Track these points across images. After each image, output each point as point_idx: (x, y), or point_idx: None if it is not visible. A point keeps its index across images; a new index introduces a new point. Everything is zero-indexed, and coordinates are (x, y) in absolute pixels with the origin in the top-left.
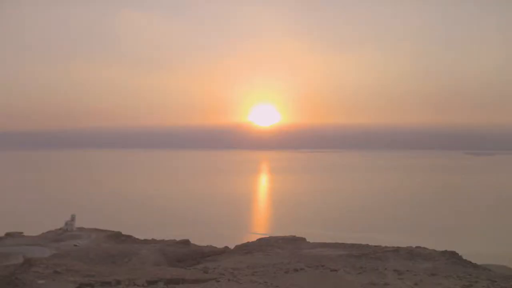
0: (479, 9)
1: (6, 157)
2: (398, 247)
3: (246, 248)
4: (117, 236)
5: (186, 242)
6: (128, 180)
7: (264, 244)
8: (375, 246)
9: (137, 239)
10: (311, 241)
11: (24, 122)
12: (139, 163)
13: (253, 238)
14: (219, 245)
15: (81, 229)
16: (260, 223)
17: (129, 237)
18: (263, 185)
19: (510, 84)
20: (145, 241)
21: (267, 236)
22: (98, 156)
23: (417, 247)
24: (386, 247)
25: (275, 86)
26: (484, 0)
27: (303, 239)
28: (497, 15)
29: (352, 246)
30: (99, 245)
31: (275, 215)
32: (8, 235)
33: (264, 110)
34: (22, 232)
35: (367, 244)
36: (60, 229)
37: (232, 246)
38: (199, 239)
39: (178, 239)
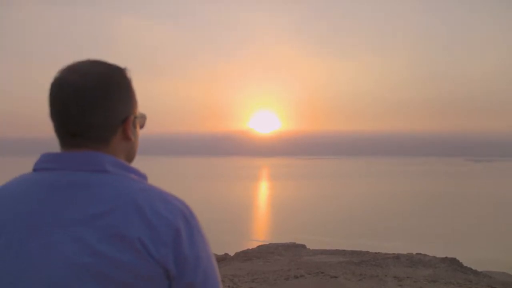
0: (479, 15)
1: (6, 164)
2: (398, 254)
3: (246, 255)
4: None
5: None
6: None
7: (264, 251)
8: (375, 253)
9: None
10: (311, 248)
11: (24, 129)
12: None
13: (253, 245)
14: (219, 252)
15: None
16: (260, 230)
17: None
18: (263, 191)
19: (510, 90)
20: None
21: (267, 243)
22: None
23: (417, 253)
24: (386, 253)
25: (275, 93)
26: (484, 7)
27: (303, 246)
28: (498, 21)
29: (352, 253)
30: None
31: (275, 221)
32: None
33: (264, 117)
34: None
35: (367, 251)
36: None
37: (232, 253)
38: None
39: None
